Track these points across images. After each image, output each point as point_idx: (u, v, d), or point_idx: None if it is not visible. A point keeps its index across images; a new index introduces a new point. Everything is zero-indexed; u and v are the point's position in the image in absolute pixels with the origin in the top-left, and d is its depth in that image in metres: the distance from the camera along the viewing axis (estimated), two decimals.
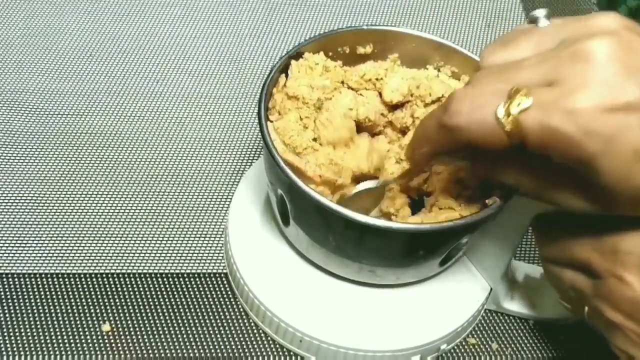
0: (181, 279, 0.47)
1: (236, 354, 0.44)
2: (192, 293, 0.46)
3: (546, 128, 0.29)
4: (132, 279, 0.47)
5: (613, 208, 0.32)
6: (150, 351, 0.43)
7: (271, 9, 0.67)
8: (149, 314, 0.45)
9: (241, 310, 0.46)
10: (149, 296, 0.46)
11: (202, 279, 0.47)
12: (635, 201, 0.31)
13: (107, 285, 0.46)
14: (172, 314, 0.45)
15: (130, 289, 0.46)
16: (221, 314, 0.45)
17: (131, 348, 0.43)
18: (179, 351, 0.43)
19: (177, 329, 0.44)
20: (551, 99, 0.29)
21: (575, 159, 0.30)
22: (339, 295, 0.44)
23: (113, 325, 0.44)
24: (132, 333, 0.44)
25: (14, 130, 0.54)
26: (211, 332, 0.45)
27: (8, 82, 0.57)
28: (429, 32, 0.47)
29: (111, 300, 0.45)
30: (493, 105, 0.30)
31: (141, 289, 0.46)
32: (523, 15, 0.70)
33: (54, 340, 0.43)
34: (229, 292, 0.47)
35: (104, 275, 0.46)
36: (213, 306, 0.46)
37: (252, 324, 0.45)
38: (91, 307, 0.45)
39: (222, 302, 0.46)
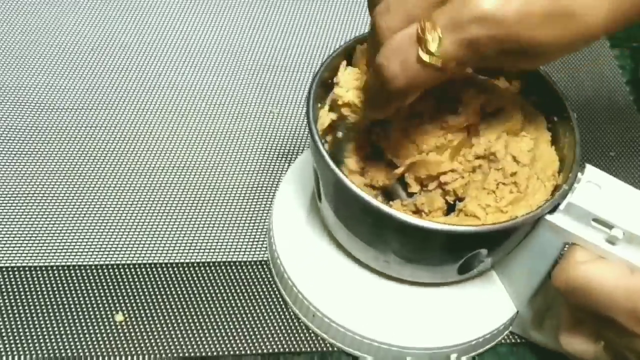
0: (214, 267, 0.48)
1: (268, 340, 0.45)
2: (223, 281, 0.47)
3: (468, 43, 0.30)
4: (146, 269, 0.48)
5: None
6: (160, 344, 0.44)
7: (275, 1, 0.67)
8: (164, 305, 0.46)
9: (279, 298, 0.47)
10: (166, 286, 0.47)
11: (234, 267, 0.48)
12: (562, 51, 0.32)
13: (121, 276, 0.47)
14: (190, 303, 0.46)
15: (143, 279, 0.47)
16: (254, 302, 0.46)
17: (145, 339, 0.44)
18: (193, 340, 0.45)
19: (194, 317, 0.45)
20: (456, 17, 0.30)
21: (505, 49, 0.31)
22: (368, 287, 0.45)
23: (126, 315, 0.45)
24: (146, 323, 0.45)
25: (21, 127, 0.54)
26: (240, 319, 0.46)
27: (10, 78, 0.57)
28: None
29: (123, 291, 0.46)
30: (413, 57, 0.31)
31: (158, 279, 0.47)
32: None
33: (68, 331, 0.44)
34: (267, 280, 0.48)
35: (119, 266, 0.47)
36: (250, 294, 0.47)
37: (291, 314, 0.46)
38: (103, 298, 0.46)
39: (255, 290, 0.47)
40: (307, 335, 0.46)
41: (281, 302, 0.47)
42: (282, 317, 0.46)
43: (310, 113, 0.39)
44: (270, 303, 0.47)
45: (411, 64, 0.31)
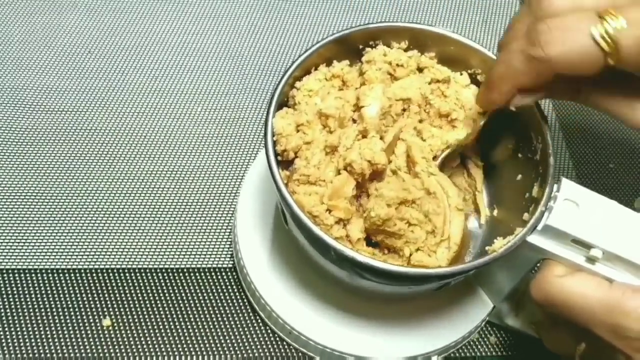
0: (185, 274, 0.47)
1: (240, 347, 0.45)
2: (196, 287, 0.47)
3: None
4: (133, 274, 0.47)
5: None
6: (150, 345, 0.44)
7: (270, 5, 0.65)
8: (149, 309, 0.46)
9: (247, 305, 0.46)
10: (149, 291, 0.46)
11: (208, 274, 0.48)
12: None
13: (109, 281, 0.46)
14: (174, 308, 0.46)
15: (130, 284, 0.46)
16: (226, 308, 0.46)
17: (132, 343, 0.44)
18: (179, 345, 0.44)
19: (178, 323, 0.45)
20: None
21: None
22: (338, 299, 0.44)
23: (114, 320, 0.45)
24: (133, 328, 0.45)
25: (15, 129, 0.53)
26: (216, 326, 0.45)
27: (8, 78, 0.56)
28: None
29: (111, 295, 0.46)
30: (585, 29, 0.31)
31: (141, 284, 0.47)
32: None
33: (55, 335, 0.44)
34: (235, 287, 0.47)
35: (103, 271, 0.47)
36: (219, 300, 0.46)
37: (258, 320, 0.46)
38: (91, 302, 0.45)
39: (228, 297, 0.47)
40: (283, 346, 0.45)
41: (249, 310, 0.46)
42: (256, 324, 0.46)
43: (272, 161, 0.36)
44: (243, 310, 0.46)
45: (580, 36, 0.31)
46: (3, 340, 0.43)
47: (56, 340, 0.44)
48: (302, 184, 0.38)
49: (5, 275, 0.46)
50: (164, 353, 0.44)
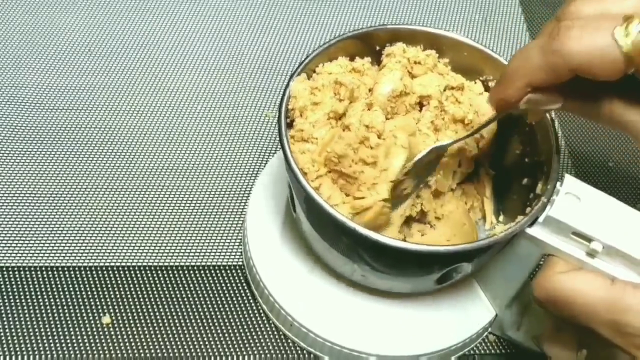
0: (186, 271, 0.48)
1: (244, 345, 0.45)
2: (197, 285, 0.47)
3: None
4: (133, 272, 0.47)
5: None
6: (151, 343, 0.44)
7: (271, 4, 0.67)
8: (150, 307, 0.46)
9: (253, 302, 0.46)
10: (149, 289, 0.47)
11: (209, 271, 0.48)
12: None
13: (108, 278, 0.47)
14: (173, 306, 0.46)
15: (130, 282, 0.47)
16: (231, 306, 0.46)
17: (132, 341, 0.44)
18: (179, 344, 0.45)
19: (179, 321, 0.45)
20: None
21: None
22: (345, 296, 0.44)
23: (113, 318, 0.45)
24: (133, 326, 0.45)
25: (15, 126, 0.54)
26: (220, 324, 0.46)
27: (8, 78, 0.57)
28: (425, 24, 0.45)
29: (111, 293, 0.46)
30: (608, 28, 0.30)
31: (142, 282, 0.47)
32: (520, 9, 0.68)
33: (54, 333, 0.44)
34: (241, 284, 0.47)
35: (105, 268, 0.47)
36: (223, 298, 0.46)
37: (264, 317, 0.46)
38: (91, 300, 0.45)
39: (233, 294, 0.47)
40: (286, 342, 0.45)
41: (259, 309, 0.46)
42: (262, 323, 0.46)
43: (282, 129, 0.38)
44: (248, 308, 0.46)
45: (601, 34, 0.31)
46: (2, 338, 0.43)
47: (55, 337, 0.44)
48: (297, 142, 0.39)
49: (4, 272, 0.46)
50: (164, 351, 0.44)
